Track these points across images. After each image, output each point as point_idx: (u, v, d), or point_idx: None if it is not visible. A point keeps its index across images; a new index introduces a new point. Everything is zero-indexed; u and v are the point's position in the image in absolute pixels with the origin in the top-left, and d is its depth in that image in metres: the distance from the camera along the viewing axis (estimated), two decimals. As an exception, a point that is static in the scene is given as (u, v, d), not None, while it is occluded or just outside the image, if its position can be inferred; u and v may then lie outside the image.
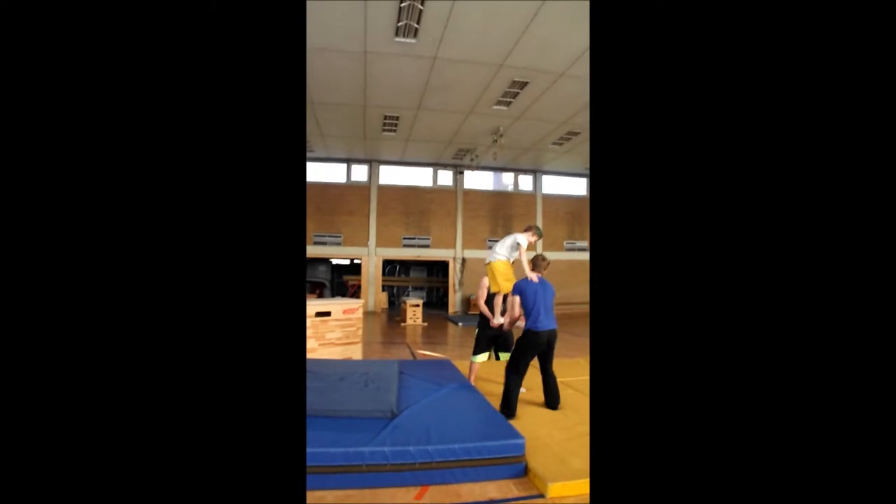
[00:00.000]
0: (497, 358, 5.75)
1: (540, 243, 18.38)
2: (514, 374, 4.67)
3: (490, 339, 5.67)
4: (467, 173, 18.20)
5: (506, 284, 5.15)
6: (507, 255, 5.24)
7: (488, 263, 5.33)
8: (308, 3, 7.50)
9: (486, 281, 5.61)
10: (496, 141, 13.99)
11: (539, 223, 19.17)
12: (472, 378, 5.63)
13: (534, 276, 4.92)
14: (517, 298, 4.85)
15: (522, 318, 4.93)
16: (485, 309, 5.62)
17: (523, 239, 5.28)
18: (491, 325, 5.50)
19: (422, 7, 7.74)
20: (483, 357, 5.68)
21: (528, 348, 4.73)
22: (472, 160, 16.41)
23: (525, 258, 5.12)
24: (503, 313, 5.47)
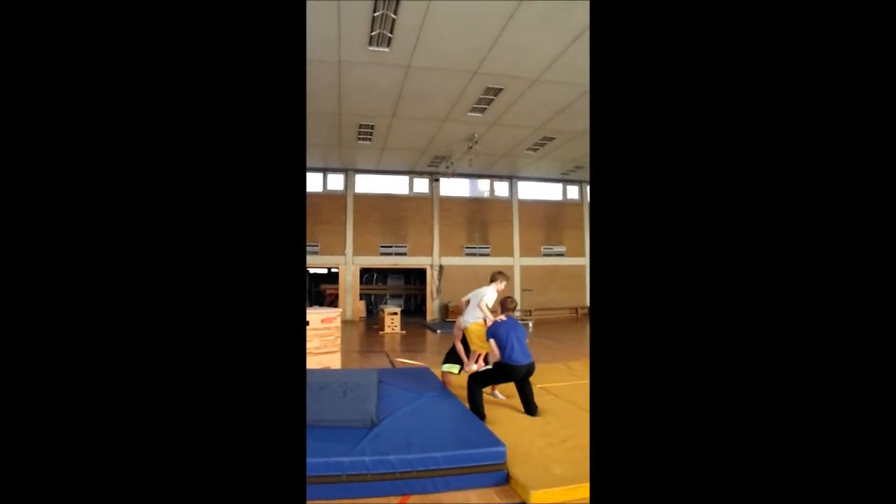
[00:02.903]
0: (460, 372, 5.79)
1: (517, 249, 18.47)
2: (477, 385, 4.84)
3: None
4: (443, 180, 18.24)
5: (482, 345, 5.37)
6: (480, 316, 5.48)
7: (465, 328, 5.59)
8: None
9: (461, 321, 5.78)
10: (471, 148, 14.03)
11: (515, 228, 19.27)
12: (447, 385, 5.69)
13: (502, 317, 5.16)
14: (492, 342, 4.98)
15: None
16: (460, 349, 5.72)
17: (492, 293, 5.61)
18: (465, 368, 5.61)
19: (395, 16, 7.75)
20: (451, 368, 5.75)
21: (502, 376, 4.96)
22: (447, 167, 16.45)
23: (488, 313, 5.40)
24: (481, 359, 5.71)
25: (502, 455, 3.42)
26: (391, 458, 3.22)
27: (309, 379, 4.99)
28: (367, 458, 3.19)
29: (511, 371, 4.81)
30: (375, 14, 7.68)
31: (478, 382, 4.84)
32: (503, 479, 3.35)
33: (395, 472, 3.20)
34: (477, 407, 4.65)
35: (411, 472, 3.22)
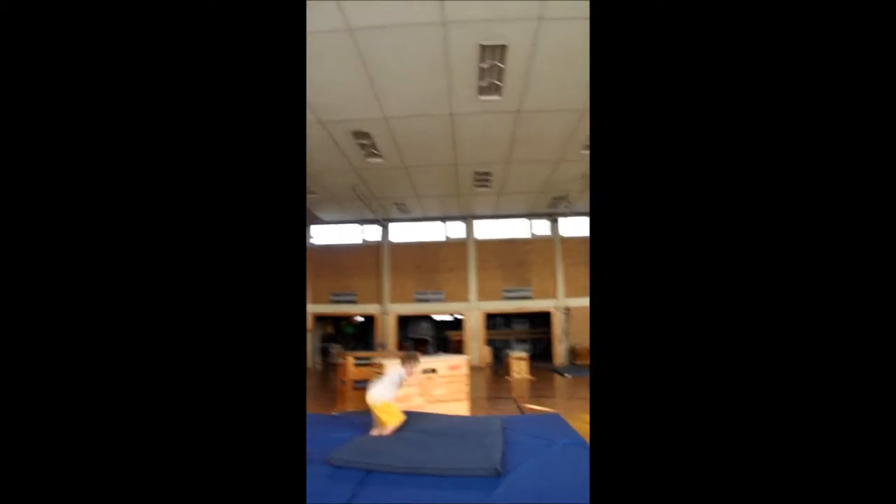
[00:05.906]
0: None
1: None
2: None
3: None
4: (563, 220, 18.03)
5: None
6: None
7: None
8: (394, 74, 7.90)
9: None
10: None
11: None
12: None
13: None
14: None
15: None
16: None
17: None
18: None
19: (502, 65, 7.92)
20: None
21: None
22: (566, 207, 16.27)
23: None
24: None
25: (641, 508, 3.19)
26: (521, 509, 3.12)
27: (429, 426, 5.00)
28: (496, 510, 3.10)
29: None
30: (483, 65, 7.89)
31: None
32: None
33: (525, 525, 3.08)
34: None
35: (543, 525, 3.09)
